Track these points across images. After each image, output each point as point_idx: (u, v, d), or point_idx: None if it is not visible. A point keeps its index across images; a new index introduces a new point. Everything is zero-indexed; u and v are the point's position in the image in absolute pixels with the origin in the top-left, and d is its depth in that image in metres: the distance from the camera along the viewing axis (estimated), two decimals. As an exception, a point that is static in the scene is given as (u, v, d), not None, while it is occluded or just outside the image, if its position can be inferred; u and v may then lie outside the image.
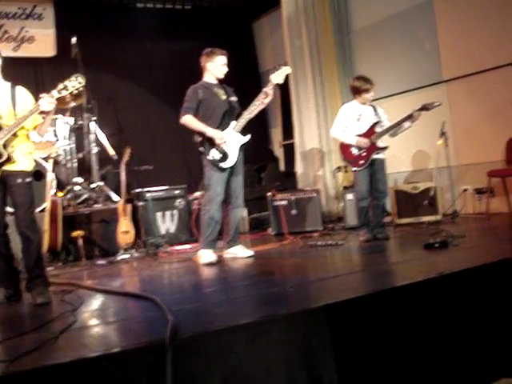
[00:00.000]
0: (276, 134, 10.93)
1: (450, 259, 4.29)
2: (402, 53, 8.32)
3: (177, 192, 7.57)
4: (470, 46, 7.38)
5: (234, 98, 5.64)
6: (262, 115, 10.06)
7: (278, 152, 10.84)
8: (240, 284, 4.21)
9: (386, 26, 8.48)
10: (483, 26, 7.24)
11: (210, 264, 5.21)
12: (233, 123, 5.46)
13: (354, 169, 5.93)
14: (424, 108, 5.87)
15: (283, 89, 9.20)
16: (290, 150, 9.91)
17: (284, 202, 7.44)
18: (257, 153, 9.71)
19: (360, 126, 5.95)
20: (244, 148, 5.58)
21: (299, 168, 8.91)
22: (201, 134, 5.39)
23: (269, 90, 5.42)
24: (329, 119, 8.59)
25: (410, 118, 5.83)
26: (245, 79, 9.50)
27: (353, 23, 9.08)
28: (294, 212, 7.39)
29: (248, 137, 5.52)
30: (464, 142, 7.57)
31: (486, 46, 7.21)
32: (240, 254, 5.49)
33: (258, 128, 9.82)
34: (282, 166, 10.53)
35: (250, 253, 5.51)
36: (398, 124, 5.90)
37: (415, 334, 3.13)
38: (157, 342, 2.52)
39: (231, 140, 5.42)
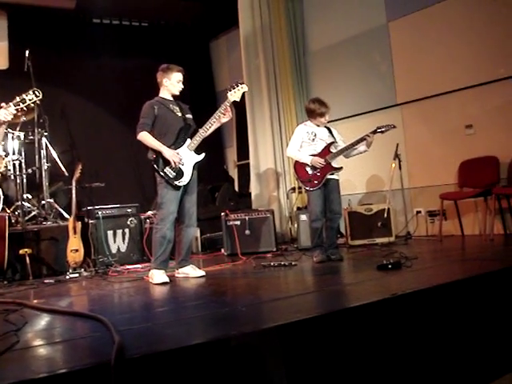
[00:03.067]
0: (231, 154, 10.94)
1: (402, 280, 4.29)
2: (357, 76, 8.43)
3: (129, 210, 7.44)
4: (424, 70, 7.57)
5: (189, 116, 5.59)
6: (218, 135, 10.15)
7: (233, 172, 10.82)
8: (191, 304, 4.12)
9: (342, 49, 8.63)
10: (437, 51, 7.42)
11: (162, 284, 5.11)
12: (188, 141, 5.41)
13: (308, 188, 5.91)
14: (378, 130, 5.92)
15: (239, 109, 9.23)
16: (244, 171, 9.91)
17: (237, 222, 7.40)
18: (211, 173, 9.74)
19: (315, 146, 5.97)
20: (198, 167, 5.53)
21: (254, 188, 8.89)
22: (155, 151, 5.32)
23: (226, 106, 5.39)
24: (284, 140, 8.66)
25: (362, 140, 5.87)
26: (201, 98, 9.50)
27: (309, 45, 9.19)
28: (247, 232, 7.36)
29: (202, 155, 5.47)
30: (417, 164, 7.71)
31: (439, 71, 7.38)
32: (192, 273, 5.41)
33: (213, 148, 9.82)
34: (236, 187, 10.49)
35: (202, 273, 5.42)
36: (352, 145, 5.94)
37: (368, 355, 3.10)
38: (102, 363, 2.42)
39: (186, 158, 5.35)
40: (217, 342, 2.71)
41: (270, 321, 3.11)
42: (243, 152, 9.95)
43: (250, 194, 8.99)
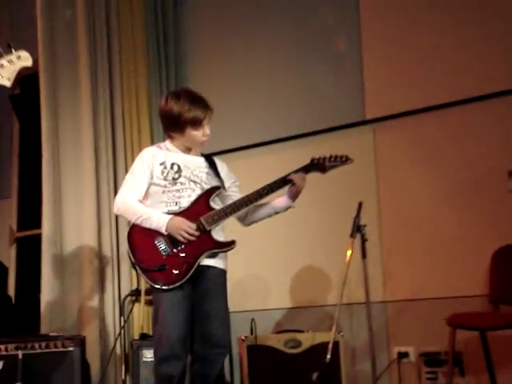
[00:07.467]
0: (5, 215, 10.69)
1: None
2: (289, 61, 8.78)
3: None
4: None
5: None
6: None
7: (8, 253, 10.55)
8: None
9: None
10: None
11: None
12: None
13: (159, 286, 5.26)
14: (314, 166, 5.74)
15: (28, 119, 9.49)
16: (33, 250, 9.37)
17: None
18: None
19: (178, 193, 5.47)
20: None
21: (47, 289, 8.27)
22: None
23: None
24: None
25: (283, 183, 5.66)
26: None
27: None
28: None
29: None
30: (402, 249, 7.58)
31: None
32: None
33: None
34: (12, 284, 10.36)
35: None
36: (260, 195, 5.53)
37: None
38: None
39: None
40: None
41: None
42: (32, 211, 9.48)
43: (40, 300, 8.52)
